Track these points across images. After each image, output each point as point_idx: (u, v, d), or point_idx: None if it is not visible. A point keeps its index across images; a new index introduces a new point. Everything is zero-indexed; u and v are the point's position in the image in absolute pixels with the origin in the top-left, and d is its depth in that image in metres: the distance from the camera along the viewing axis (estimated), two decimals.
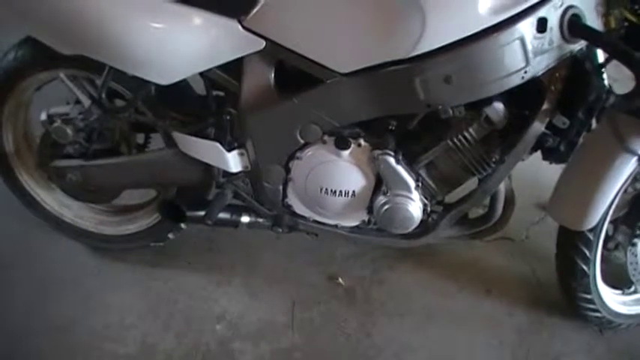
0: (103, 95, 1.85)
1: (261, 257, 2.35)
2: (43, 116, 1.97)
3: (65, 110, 1.97)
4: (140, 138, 2.16)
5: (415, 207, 1.75)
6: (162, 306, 2.20)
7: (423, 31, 1.44)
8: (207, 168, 1.87)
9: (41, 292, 2.25)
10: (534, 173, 2.18)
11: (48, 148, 2.08)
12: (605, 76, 1.58)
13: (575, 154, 1.68)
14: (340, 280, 2.27)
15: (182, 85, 1.81)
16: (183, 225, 2.19)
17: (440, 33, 1.46)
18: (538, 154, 1.72)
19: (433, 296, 2.22)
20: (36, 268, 2.34)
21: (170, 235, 2.26)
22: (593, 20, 1.52)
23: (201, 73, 1.71)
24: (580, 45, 1.54)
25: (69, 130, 1.93)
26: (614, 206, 1.80)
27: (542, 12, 1.44)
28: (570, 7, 1.46)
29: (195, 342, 2.09)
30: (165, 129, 1.90)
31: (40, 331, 2.13)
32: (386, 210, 1.76)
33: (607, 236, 1.95)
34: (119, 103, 1.97)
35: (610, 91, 1.55)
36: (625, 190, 1.80)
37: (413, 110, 1.63)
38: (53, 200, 2.32)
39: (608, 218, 1.85)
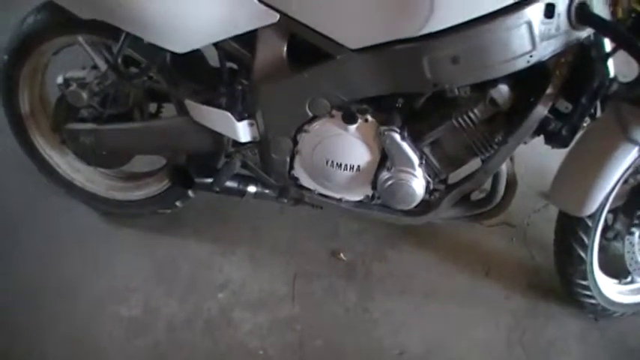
0: (119, 60, 1.88)
1: (265, 230, 2.38)
2: (60, 80, 2.01)
3: (81, 74, 1.99)
4: (153, 107, 2.20)
5: (418, 184, 1.78)
6: (167, 272, 2.24)
7: (432, 10, 1.46)
8: (217, 137, 1.90)
9: (48, 253, 2.30)
10: (539, 162, 2.21)
11: (63, 112, 2.12)
12: (611, 64, 1.60)
13: (578, 141, 1.72)
14: (342, 255, 2.30)
15: (196, 56, 1.85)
16: (191, 193, 2.23)
17: (449, 13, 1.48)
18: (543, 144, 1.75)
19: (432, 276, 2.24)
20: (44, 229, 2.38)
21: (178, 203, 2.30)
22: (601, 9, 1.53)
23: (215, 44, 1.74)
24: (587, 33, 1.55)
25: (84, 94, 1.95)
26: (613, 195, 1.82)
27: None
28: None
29: (197, 308, 2.13)
30: (178, 97, 1.93)
31: (45, 291, 2.18)
32: (389, 185, 1.80)
33: (606, 226, 1.97)
34: (135, 70, 2.00)
35: (614, 79, 1.59)
36: (625, 181, 1.83)
37: (420, 89, 1.65)
38: (65, 164, 2.35)
39: (607, 207, 1.86)
